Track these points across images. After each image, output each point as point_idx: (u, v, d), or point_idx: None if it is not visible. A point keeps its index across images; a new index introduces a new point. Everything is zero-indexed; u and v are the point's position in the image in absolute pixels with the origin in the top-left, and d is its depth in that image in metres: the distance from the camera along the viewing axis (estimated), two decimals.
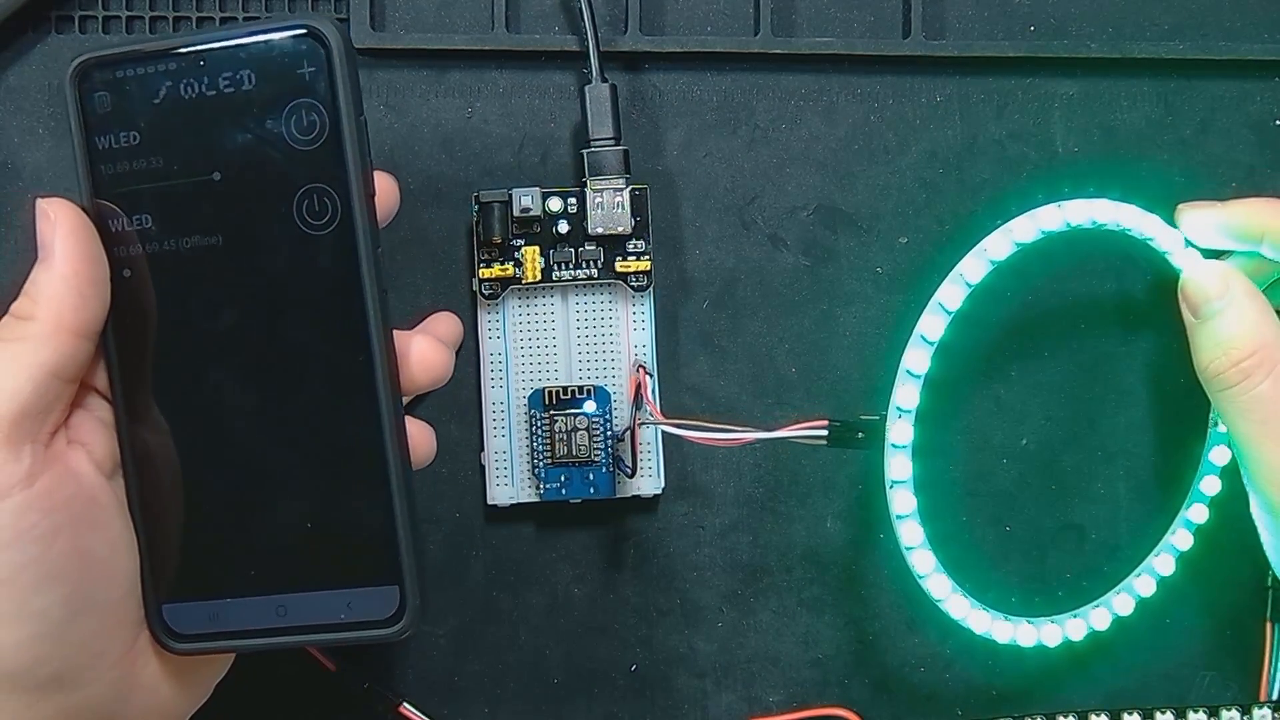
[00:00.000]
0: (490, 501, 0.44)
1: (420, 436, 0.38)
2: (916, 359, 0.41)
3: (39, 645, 0.33)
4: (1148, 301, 0.45)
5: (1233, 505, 0.43)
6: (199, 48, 0.34)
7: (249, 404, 0.35)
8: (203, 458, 0.36)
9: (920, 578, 0.42)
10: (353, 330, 0.35)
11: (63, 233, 0.34)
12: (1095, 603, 0.44)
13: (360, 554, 0.36)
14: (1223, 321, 0.40)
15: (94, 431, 0.36)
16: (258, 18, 0.43)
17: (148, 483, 0.36)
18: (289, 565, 0.36)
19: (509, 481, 0.44)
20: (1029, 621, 0.43)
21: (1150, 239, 0.41)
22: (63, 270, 0.34)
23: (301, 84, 0.34)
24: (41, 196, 0.35)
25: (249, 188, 0.35)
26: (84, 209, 0.35)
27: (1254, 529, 0.42)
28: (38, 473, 0.33)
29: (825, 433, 0.41)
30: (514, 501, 0.44)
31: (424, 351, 0.37)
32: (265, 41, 0.34)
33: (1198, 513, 0.44)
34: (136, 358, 0.36)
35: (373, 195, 0.35)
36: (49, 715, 0.34)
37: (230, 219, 0.35)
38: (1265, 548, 0.42)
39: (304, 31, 0.34)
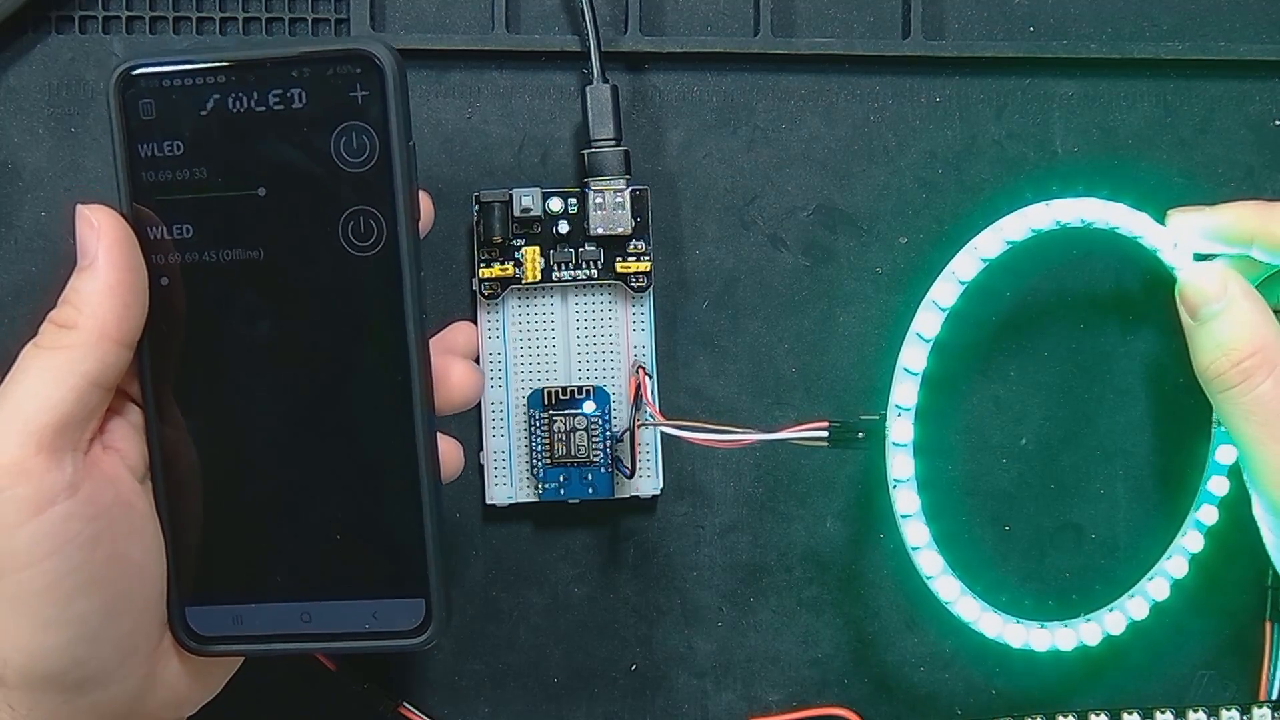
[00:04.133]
0: (488, 501, 0.44)
1: (449, 451, 0.38)
2: (913, 357, 0.41)
3: (77, 648, 0.33)
4: (1146, 300, 0.45)
5: (1234, 506, 0.43)
6: (251, 63, 0.34)
7: (283, 415, 0.36)
8: (234, 466, 0.36)
9: (928, 579, 0.42)
10: (393, 350, 0.35)
11: (107, 241, 0.34)
12: (1109, 606, 0.44)
13: (388, 566, 0.36)
14: (1222, 323, 0.40)
15: (127, 437, 0.36)
16: (257, 19, 0.43)
17: (176, 487, 0.36)
18: (316, 574, 0.36)
19: (507, 481, 0.44)
20: (1042, 626, 0.43)
21: (1139, 237, 0.41)
22: (107, 280, 0.34)
23: (353, 106, 0.34)
24: (79, 206, 0.34)
25: (294, 205, 0.35)
26: (122, 215, 0.35)
27: (1254, 528, 0.42)
28: (79, 481, 0.33)
29: (825, 434, 0.41)
30: (512, 501, 0.44)
31: (463, 377, 0.37)
32: (318, 61, 0.34)
33: (1207, 514, 0.43)
34: (170, 365, 0.36)
35: (418, 219, 0.35)
36: (79, 711, 0.34)
37: (273, 235, 0.35)
38: (1268, 547, 0.42)
39: (358, 54, 0.34)
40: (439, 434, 0.37)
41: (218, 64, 0.34)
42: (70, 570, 0.33)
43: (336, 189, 0.34)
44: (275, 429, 0.36)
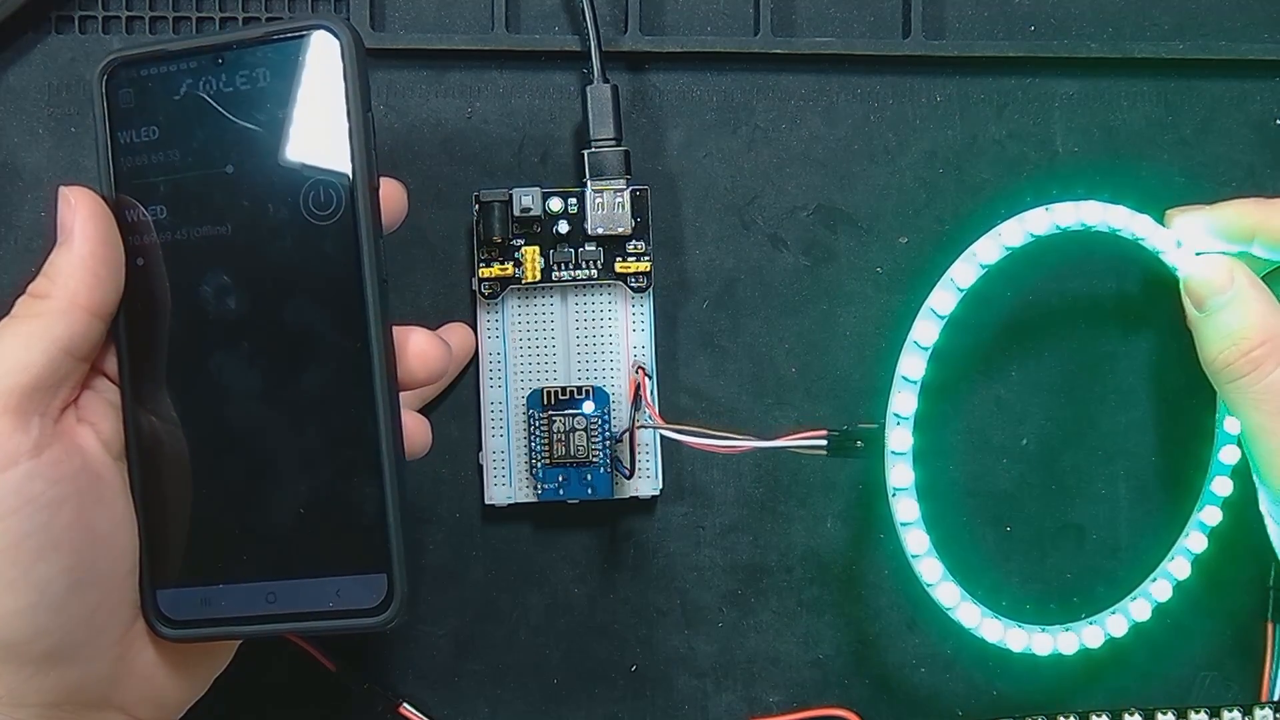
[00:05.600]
0: (487, 501, 0.44)
1: (415, 428, 0.38)
2: (912, 365, 0.41)
3: (40, 615, 0.34)
4: (1147, 300, 0.45)
5: (1236, 506, 0.43)
6: (219, 48, 0.36)
7: (249, 391, 0.36)
8: (202, 443, 0.36)
9: (929, 586, 0.42)
10: (352, 318, 0.36)
11: (82, 216, 0.35)
12: (1112, 609, 0.44)
13: (350, 541, 0.36)
14: (1230, 313, 0.40)
15: (103, 413, 0.36)
16: (257, 18, 0.43)
17: (149, 467, 0.37)
18: (280, 552, 0.36)
19: (506, 482, 0.44)
20: (1043, 630, 0.43)
21: (1141, 239, 0.41)
22: (80, 251, 0.35)
23: (314, 81, 0.35)
24: (61, 187, 0.36)
25: (259, 180, 0.36)
26: (104, 198, 0.36)
27: (1255, 528, 0.42)
28: (45, 444, 0.34)
29: (824, 443, 0.41)
30: (511, 501, 0.44)
31: (421, 345, 0.37)
32: (281, 41, 0.36)
33: (1210, 515, 0.43)
34: (144, 343, 0.36)
35: (377, 188, 0.36)
36: (46, 690, 0.34)
37: (240, 210, 0.36)
38: (1274, 541, 0.42)
39: (317, 32, 0.35)
40: (407, 411, 0.37)
41: (189, 51, 0.36)
42: (32, 531, 0.33)
43: (298, 161, 0.36)
44: (244, 405, 0.36)
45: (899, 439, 0.41)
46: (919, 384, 0.41)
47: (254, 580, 0.36)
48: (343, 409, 0.36)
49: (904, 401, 0.41)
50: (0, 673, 0.34)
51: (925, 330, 0.41)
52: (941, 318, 0.41)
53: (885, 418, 0.41)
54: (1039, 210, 0.41)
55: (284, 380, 0.36)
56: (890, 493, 0.41)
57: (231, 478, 0.36)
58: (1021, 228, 0.40)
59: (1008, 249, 0.41)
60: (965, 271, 0.41)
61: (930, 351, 0.41)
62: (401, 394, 0.37)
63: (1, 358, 0.34)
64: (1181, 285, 0.41)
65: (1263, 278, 0.42)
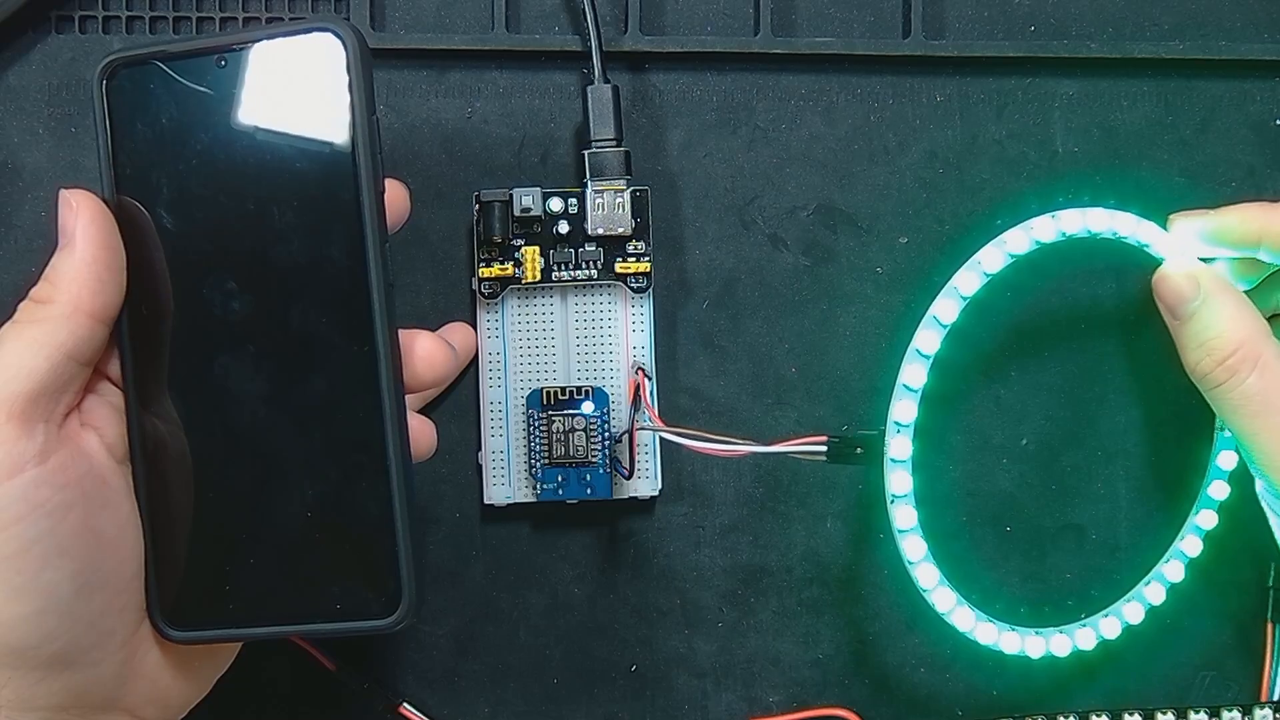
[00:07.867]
0: (486, 501, 0.44)
1: (421, 430, 0.38)
2: (913, 374, 0.41)
3: (47, 620, 0.34)
4: (1146, 302, 0.45)
5: (1235, 508, 0.43)
6: (222, 49, 0.36)
7: (254, 394, 0.36)
8: (207, 447, 0.36)
9: (925, 591, 0.42)
10: (358, 322, 0.36)
11: (84, 220, 0.35)
12: (1105, 611, 0.44)
13: (358, 544, 0.36)
14: (1200, 321, 0.40)
15: (106, 417, 0.36)
16: (257, 18, 0.43)
17: (154, 471, 0.36)
18: (287, 554, 0.36)
19: (505, 481, 0.44)
20: (1037, 633, 0.43)
21: (1146, 246, 0.41)
22: (83, 256, 0.35)
23: (318, 84, 0.35)
24: (61, 190, 0.35)
25: (262, 183, 0.36)
26: (105, 201, 0.36)
27: (1255, 530, 0.42)
28: (50, 450, 0.34)
29: (824, 449, 0.40)
30: (510, 501, 0.44)
31: (428, 348, 0.38)
32: (284, 43, 0.35)
33: (1206, 519, 0.43)
34: (148, 347, 0.36)
35: (382, 192, 0.36)
36: (54, 693, 0.34)
37: (243, 213, 0.36)
38: (1274, 529, 0.42)
39: (321, 34, 0.35)
40: (410, 413, 0.37)
41: (191, 52, 0.36)
42: (38, 537, 0.33)
43: (302, 163, 0.35)
44: (249, 408, 0.36)
45: (899, 447, 0.41)
46: (920, 392, 0.41)
47: (260, 582, 0.36)
48: (349, 413, 0.36)
49: (904, 409, 0.41)
50: (8, 677, 0.34)
51: (927, 339, 0.41)
52: (944, 326, 0.41)
53: (885, 424, 0.41)
54: (1045, 217, 0.41)
55: (289, 384, 0.36)
56: (889, 499, 0.41)
57: (237, 481, 0.36)
58: (1028, 235, 0.40)
59: (1013, 256, 0.41)
60: (969, 280, 0.41)
61: (931, 359, 0.41)
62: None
63: (5, 364, 0.34)
64: (1155, 294, 0.41)
65: (1265, 279, 0.42)
